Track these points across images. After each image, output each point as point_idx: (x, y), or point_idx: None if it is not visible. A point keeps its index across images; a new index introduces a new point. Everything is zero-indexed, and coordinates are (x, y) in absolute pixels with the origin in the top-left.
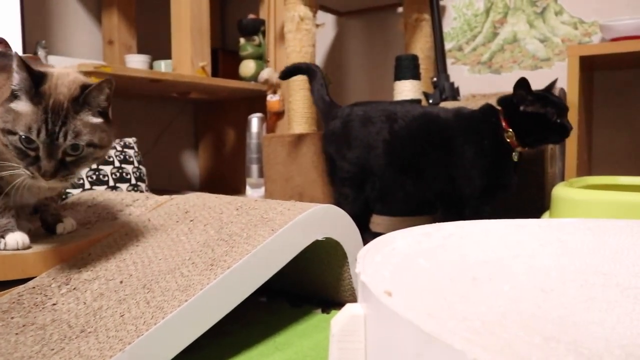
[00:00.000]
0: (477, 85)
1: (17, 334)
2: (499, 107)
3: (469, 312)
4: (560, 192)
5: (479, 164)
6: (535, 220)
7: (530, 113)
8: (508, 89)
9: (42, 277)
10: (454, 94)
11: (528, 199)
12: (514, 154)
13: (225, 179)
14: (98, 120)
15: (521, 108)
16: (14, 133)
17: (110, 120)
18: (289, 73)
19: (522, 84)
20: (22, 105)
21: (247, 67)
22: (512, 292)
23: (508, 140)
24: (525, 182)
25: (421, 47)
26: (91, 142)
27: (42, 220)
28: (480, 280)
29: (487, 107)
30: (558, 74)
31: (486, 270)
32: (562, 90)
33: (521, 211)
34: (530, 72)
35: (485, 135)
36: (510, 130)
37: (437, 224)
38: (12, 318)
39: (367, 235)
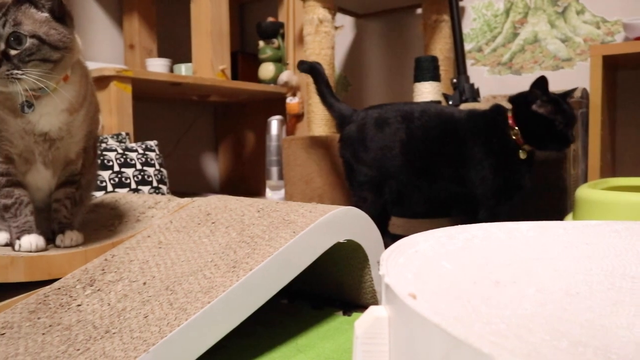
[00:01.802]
0: (497, 86)
1: (43, 334)
2: (510, 105)
3: (493, 315)
4: (584, 193)
5: (488, 163)
6: (559, 222)
7: (539, 115)
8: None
9: (67, 279)
10: (474, 95)
11: (550, 201)
12: (520, 151)
13: (245, 181)
14: (43, 14)
15: (533, 107)
16: None
17: (68, 25)
18: (306, 68)
19: (540, 83)
20: None
21: (267, 69)
22: (537, 295)
23: (513, 137)
24: (548, 183)
25: (440, 48)
26: (35, 34)
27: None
28: (504, 283)
29: (495, 106)
30: (580, 74)
31: (510, 273)
32: (584, 90)
33: (543, 213)
34: (552, 72)
35: (492, 133)
36: (516, 128)
37: (460, 226)
38: (39, 318)
39: (386, 237)
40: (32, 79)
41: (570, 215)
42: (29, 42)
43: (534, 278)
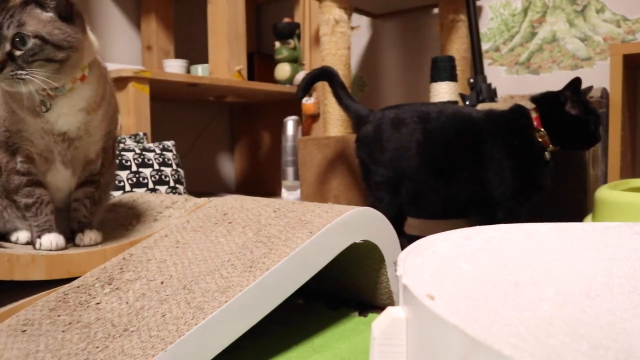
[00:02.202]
0: (515, 86)
1: (63, 331)
2: (532, 105)
3: (512, 317)
4: (604, 194)
5: (510, 164)
6: (579, 223)
7: (572, 116)
8: (547, 89)
9: (86, 277)
10: (491, 95)
11: (569, 202)
12: (545, 153)
13: (261, 181)
14: (48, 14)
15: (566, 108)
16: None
17: (77, 24)
18: (305, 88)
19: (575, 84)
20: None
21: (283, 70)
22: (557, 297)
23: (540, 140)
24: (567, 184)
25: (457, 48)
26: (38, 34)
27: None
28: (522, 284)
29: (516, 107)
30: (600, 74)
31: (529, 275)
32: (604, 90)
33: (562, 214)
34: (571, 72)
35: (515, 135)
36: (542, 129)
37: (477, 227)
38: (59, 316)
39: (402, 238)
40: (38, 79)
41: (589, 217)
42: (31, 43)
43: (553, 280)
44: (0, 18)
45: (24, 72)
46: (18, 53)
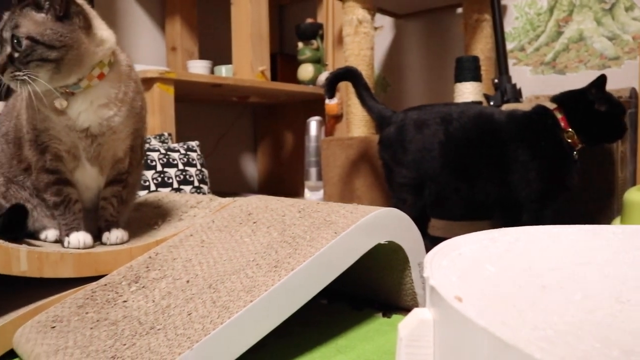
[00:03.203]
0: (540, 86)
1: (91, 328)
2: (555, 105)
3: (540, 320)
4: (633, 197)
5: (536, 166)
6: (608, 226)
7: (602, 112)
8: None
9: (113, 275)
10: (516, 95)
11: (597, 205)
12: (575, 153)
13: (284, 181)
14: (41, 15)
15: (596, 106)
16: None
17: (72, 21)
18: (331, 88)
19: (599, 82)
20: None
21: (306, 70)
22: (585, 301)
23: (569, 140)
24: (594, 186)
25: (482, 48)
26: (29, 35)
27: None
28: (550, 288)
29: (540, 108)
30: (629, 73)
31: (556, 278)
32: (633, 90)
33: (589, 217)
34: (598, 71)
35: (541, 137)
36: (570, 129)
37: (503, 228)
38: (87, 313)
39: (426, 239)
40: (40, 79)
41: (617, 219)
42: (25, 45)
43: (581, 283)
44: (2, 24)
45: (21, 73)
46: (16, 55)
